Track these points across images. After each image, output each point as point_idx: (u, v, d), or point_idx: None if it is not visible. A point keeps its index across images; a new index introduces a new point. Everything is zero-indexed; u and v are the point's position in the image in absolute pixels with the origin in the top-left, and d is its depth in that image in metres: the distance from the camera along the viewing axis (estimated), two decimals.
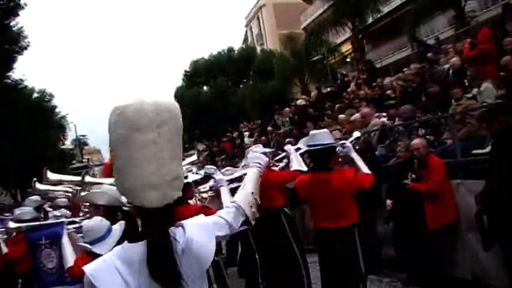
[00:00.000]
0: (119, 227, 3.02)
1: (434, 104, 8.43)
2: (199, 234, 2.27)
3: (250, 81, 36.95)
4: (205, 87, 40.00)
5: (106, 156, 55.46)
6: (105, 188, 4.00)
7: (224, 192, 3.96)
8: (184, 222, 2.30)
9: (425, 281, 6.53)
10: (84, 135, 50.50)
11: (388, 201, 6.93)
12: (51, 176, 8.43)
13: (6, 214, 7.48)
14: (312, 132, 4.78)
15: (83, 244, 2.90)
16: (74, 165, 39.98)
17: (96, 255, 2.81)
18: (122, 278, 2.11)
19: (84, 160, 50.45)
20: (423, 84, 10.59)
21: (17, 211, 6.81)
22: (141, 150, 2.16)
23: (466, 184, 6.19)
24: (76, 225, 4.26)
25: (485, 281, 5.91)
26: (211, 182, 4.44)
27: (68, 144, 46.92)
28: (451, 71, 10.41)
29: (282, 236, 5.39)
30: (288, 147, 5.78)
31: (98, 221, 3.07)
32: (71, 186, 9.27)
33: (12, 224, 4.94)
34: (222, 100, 36.76)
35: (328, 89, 19.50)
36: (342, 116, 12.20)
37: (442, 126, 7.72)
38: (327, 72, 28.20)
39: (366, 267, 4.54)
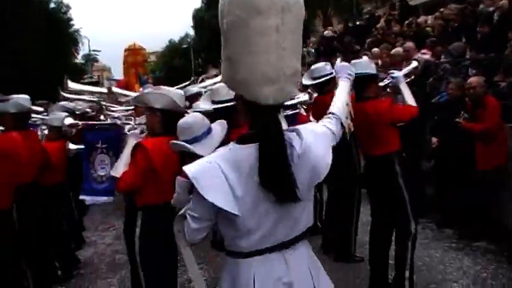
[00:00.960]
0: (219, 127, 2.61)
1: (484, 44, 8.00)
2: (315, 142, 2.04)
3: None
4: None
5: (115, 75, 55.15)
6: (165, 90, 3.60)
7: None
8: (299, 127, 2.07)
9: (460, 224, 6.43)
10: (99, 50, 49.51)
11: (434, 139, 6.69)
12: (73, 85, 8.17)
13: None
14: (353, 61, 4.33)
15: (180, 143, 2.50)
16: (85, 81, 39.63)
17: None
18: (228, 182, 1.89)
19: (94, 76, 49.90)
20: (465, 24, 10.13)
21: (49, 115, 6.58)
22: (260, 37, 1.89)
23: None
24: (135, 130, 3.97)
25: None
26: None
27: (79, 58, 46.40)
28: (495, 14, 9.90)
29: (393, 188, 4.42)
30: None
31: (199, 118, 2.63)
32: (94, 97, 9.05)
33: (68, 120, 4.55)
34: None
35: (357, 23, 18.69)
36: (376, 49, 11.77)
37: (495, 68, 7.34)
38: (352, 7, 27.34)
39: (410, 197, 4.34)
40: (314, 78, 5.50)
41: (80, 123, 4.46)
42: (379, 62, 10.11)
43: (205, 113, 3.98)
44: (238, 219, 1.93)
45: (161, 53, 57.24)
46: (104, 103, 7.84)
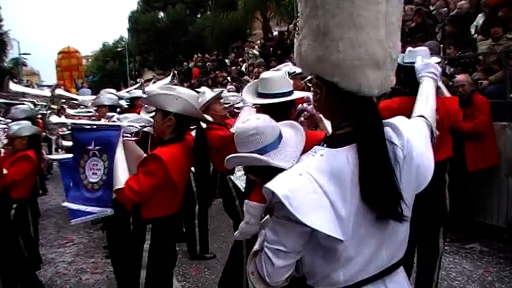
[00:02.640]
0: (290, 129, 1.97)
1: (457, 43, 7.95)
2: (416, 138, 1.66)
3: (208, 11, 35.35)
4: (161, 14, 37.74)
5: (45, 79, 52.76)
6: (180, 91, 3.07)
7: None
8: (390, 120, 1.67)
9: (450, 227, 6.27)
10: (28, 54, 46.98)
11: None
12: (14, 87, 7.49)
13: None
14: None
15: (249, 155, 1.83)
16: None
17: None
18: (329, 199, 1.47)
19: (23, 81, 47.45)
20: (422, 24, 10.16)
21: (13, 109, 5.91)
22: (369, 7, 1.49)
23: None
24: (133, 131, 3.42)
25: None
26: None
27: (7, 62, 43.92)
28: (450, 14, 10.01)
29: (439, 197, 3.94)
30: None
31: (268, 120, 1.93)
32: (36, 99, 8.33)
33: (54, 119, 3.81)
34: (178, 28, 34.97)
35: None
36: None
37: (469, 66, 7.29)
38: (292, 8, 27.31)
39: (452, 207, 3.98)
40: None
41: (69, 122, 3.77)
42: None
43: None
44: (340, 246, 1.52)
45: (95, 56, 55.53)
46: (57, 106, 7.20)
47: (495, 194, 5.94)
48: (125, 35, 46.33)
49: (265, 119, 1.91)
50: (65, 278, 6.11)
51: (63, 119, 4.05)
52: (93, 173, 3.26)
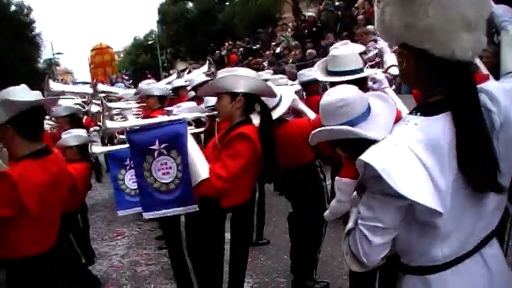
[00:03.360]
0: (382, 102, 1.85)
1: None
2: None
3: None
4: (190, 4, 37.95)
5: (78, 78, 53.64)
6: (243, 70, 3.02)
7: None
8: (483, 86, 1.56)
9: None
10: (61, 53, 47.88)
11: None
12: (54, 85, 7.49)
13: None
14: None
15: (339, 128, 1.72)
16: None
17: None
18: (427, 171, 1.38)
19: (58, 80, 48.36)
20: None
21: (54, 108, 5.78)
22: None
23: None
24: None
25: None
26: None
27: (41, 63, 44.87)
28: None
29: None
30: (381, 42, 4.21)
31: (356, 90, 1.87)
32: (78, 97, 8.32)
33: (110, 124, 3.50)
34: (208, 17, 35.00)
35: (337, 3, 18.16)
36: (370, 27, 11.40)
37: None
38: None
39: None
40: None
41: (126, 125, 3.46)
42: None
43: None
44: (439, 221, 1.43)
45: (126, 50, 56.16)
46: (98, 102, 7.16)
47: None
48: (155, 28, 46.78)
49: (352, 90, 1.81)
50: (120, 271, 6.16)
51: (119, 123, 3.89)
52: (163, 174, 3.00)
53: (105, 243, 7.53)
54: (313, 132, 1.83)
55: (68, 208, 4.72)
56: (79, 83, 38.52)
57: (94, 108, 6.04)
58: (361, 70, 3.10)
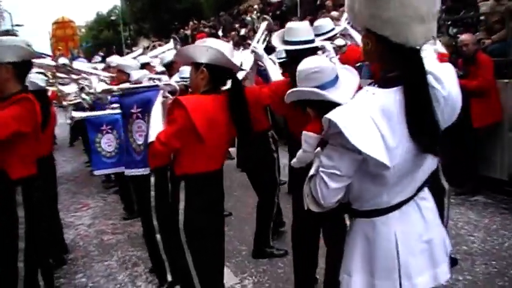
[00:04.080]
0: (349, 73, 2.26)
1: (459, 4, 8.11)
2: (450, 81, 1.88)
3: None
4: None
5: (38, 50, 51.91)
6: (211, 42, 3.06)
7: None
8: (431, 68, 1.88)
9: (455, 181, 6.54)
10: (21, 25, 46.30)
11: None
12: None
13: None
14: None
15: (308, 89, 2.14)
16: None
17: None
18: (379, 131, 1.71)
19: None
20: None
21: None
22: None
23: None
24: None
25: None
26: None
27: None
28: None
29: None
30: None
31: (326, 60, 2.29)
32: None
33: (100, 86, 3.76)
34: None
35: None
36: (334, 13, 11.78)
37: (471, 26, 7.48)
38: None
39: None
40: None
41: (115, 87, 3.76)
42: None
43: None
44: (387, 172, 1.76)
45: (89, 26, 55.03)
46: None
47: (498, 149, 6.20)
48: (119, 3, 45.95)
49: (325, 60, 2.19)
50: (87, 239, 6.37)
51: (108, 86, 4.07)
52: (139, 135, 3.36)
53: (70, 214, 7.67)
54: (288, 91, 2.21)
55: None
56: (40, 53, 37.61)
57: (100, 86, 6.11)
58: (312, 41, 3.49)
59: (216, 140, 3.05)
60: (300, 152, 2.09)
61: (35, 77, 5.51)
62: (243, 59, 4.65)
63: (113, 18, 46.87)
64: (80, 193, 8.90)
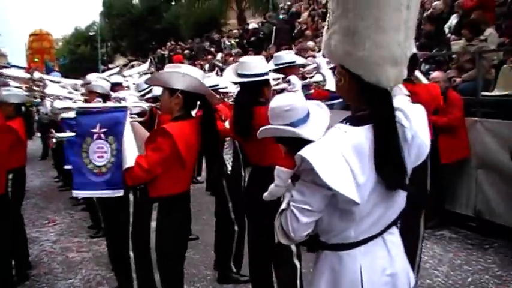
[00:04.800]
0: (320, 110, 2.29)
1: (432, 42, 8.36)
2: (419, 121, 1.95)
3: None
4: None
5: (12, 62, 51.22)
6: (186, 68, 3.16)
7: None
8: (400, 106, 1.94)
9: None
10: None
11: None
12: None
13: None
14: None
15: (281, 127, 2.17)
16: None
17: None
18: (350, 168, 1.76)
19: None
20: None
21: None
22: (393, 14, 1.76)
23: (483, 122, 6.18)
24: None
25: (489, 217, 6.06)
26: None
27: None
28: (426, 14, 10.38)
29: None
30: (319, 58, 4.66)
31: (298, 98, 2.32)
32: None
33: (58, 103, 3.58)
34: (153, 15, 34.78)
35: (281, 17, 18.72)
36: (310, 43, 12.04)
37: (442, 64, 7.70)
38: (267, 0, 27.54)
39: None
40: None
41: (75, 105, 3.75)
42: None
43: None
44: (356, 209, 1.82)
45: (66, 39, 54.56)
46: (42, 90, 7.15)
47: (465, 185, 6.35)
48: (98, 19, 45.82)
49: (297, 98, 2.25)
50: (52, 256, 6.28)
51: (68, 103, 4.06)
52: (98, 156, 3.23)
53: (36, 229, 7.55)
54: (261, 128, 2.27)
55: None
56: (13, 66, 37.13)
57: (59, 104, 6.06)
58: (263, 74, 3.70)
59: (191, 163, 3.27)
60: (272, 186, 2.13)
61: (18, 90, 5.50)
62: (218, 81, 5.04)
63: (91, 33, 46.72)
64: (47, 208, 8.82)
